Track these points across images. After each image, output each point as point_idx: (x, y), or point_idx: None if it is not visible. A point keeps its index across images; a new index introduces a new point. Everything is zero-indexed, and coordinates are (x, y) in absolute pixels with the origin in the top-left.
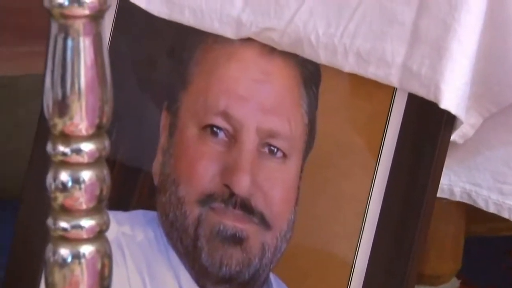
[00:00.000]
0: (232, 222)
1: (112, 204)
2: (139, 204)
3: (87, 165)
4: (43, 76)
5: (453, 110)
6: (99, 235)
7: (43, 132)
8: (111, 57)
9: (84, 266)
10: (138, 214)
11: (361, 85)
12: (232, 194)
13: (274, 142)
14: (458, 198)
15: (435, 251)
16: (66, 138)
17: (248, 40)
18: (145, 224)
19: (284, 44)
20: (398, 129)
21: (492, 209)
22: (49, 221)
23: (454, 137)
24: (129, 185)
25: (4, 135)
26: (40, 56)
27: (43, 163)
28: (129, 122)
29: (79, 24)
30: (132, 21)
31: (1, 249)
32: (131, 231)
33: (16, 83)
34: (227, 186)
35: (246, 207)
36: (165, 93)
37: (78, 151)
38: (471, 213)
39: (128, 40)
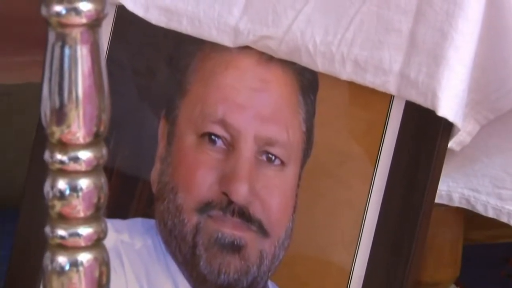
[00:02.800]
0: (230, 230)
1: (110, 212)
2: (138, 212)
3: (84, 173)
4: (40, 85)
5: (450, 118)
6: (96, 243)
7: (42, 140)
8: (109, 65)
9: (82, 274)
10: (137, 222)
11: (359, 93)
12: (230, 202)
13: (272, 150)
14: (457, 204)
15: (433, 258)
16: (63, 146)
17: (246, 48)
18: (143, 232)
19: (282, 52)
20: (396, 137)
21: (491, 214)
22: (47, 229)
23: (451, 144)
24: (128, 193)
25: (4, 144)
26: (39, 65)
27: (42, 172)
28: (127, 130)
29: (76, 33)
30: (130, 29)
31: (1, 258)
32: (129, 239)
33: (15, 92)
34: (225, 194)
35: (244, 215)
36: (163, 101)
37: (75, 159)
38: (469, 220)
39: (127, 48)
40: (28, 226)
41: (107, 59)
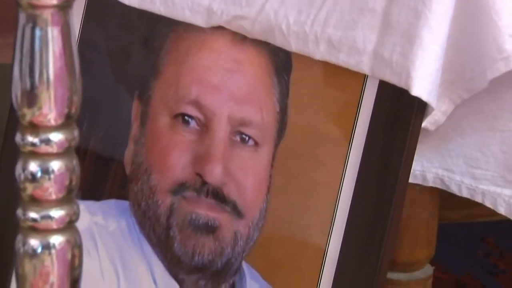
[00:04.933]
0: (205, 211)
1: (84, 194)
2: (112, 193)
3: (56, 155)
4: (11, 66)
5: (424, 97)
6: (69, 226)
7: (14, 123)
8: (82, 47)
9: (54, 256)
10: (111, 204)
11: (332, 73)
12: (204, 183)
13: (246, 130)
14: (431, 184)
15: (409, 238)
16: (35, 128)
17: (219, 29)
18: (117, 213)
19: (256, 32)
20: (370, 117)
21: (465, 194)
22: (19, 212)
23: (425, 124)
24: (101, 175)
25: None
26: (12, 47)
27: (15, 154)
28: (101, 112)
29: (47, 14)
30: (103, 10)
31: None
32: (103, 221)
33: None
34: (199, 175)
35: (219, 196)
36: (137, 82)
37: (47, 141)
38: (445, 199)
39: (100, 30)
40: (1, 209)
41: (80, 41)
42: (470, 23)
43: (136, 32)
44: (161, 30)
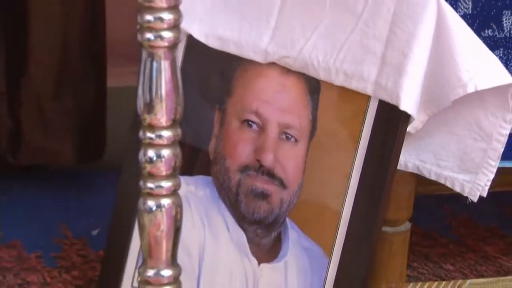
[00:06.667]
0: (261, 184)
1: (183, 171)
2: (200, 171)
3: (166, 146)
4: (136, 88)
5: (409, 111)
6: (174, 192)
7: (137, 124)
8: (183, 74)
9: (164, 213)
10: (199, 178)
11: (347, 94)
12: (261, 166)
13: (289, 131)
14: (410, 170)
15: (395, 204)
16: (152, 128)
17: (272, 64)
18: (204, 184)
19: (296, 67)
20: (372, 124)
21: (433, 178)
22: (140, 183)
23: (409, 129)
24: (194, 159)
25: (114, 125)
26: (135, 74)
27: (137, 145)
28: (194, 118)
29: (161, 52)
30: (196, 50)
31: (110, 203)
32: (195, 190)
33: (115, 93)
34: (258, 160)
35: (270, 174)
36: (217, 99)
37: (160, 136)
38: (419, 179)
39: (194, 63)
40: (128, 181)
41: (181, 70)
42: (439, 61)
43: (216, 65)
44: (232, 64)
